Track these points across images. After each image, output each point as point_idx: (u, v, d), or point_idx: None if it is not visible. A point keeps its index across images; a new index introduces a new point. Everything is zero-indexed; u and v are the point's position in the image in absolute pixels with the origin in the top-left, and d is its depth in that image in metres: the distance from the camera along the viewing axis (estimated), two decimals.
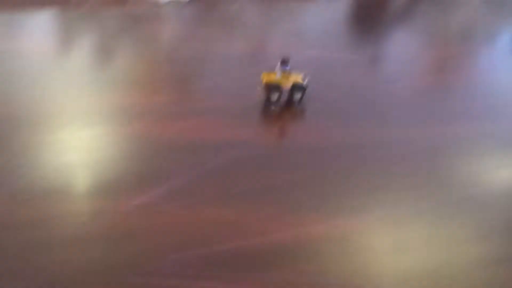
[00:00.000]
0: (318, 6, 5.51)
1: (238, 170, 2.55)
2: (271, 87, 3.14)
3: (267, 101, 3.18)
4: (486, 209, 2.34)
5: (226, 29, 4.54)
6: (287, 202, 2.36)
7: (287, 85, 3.16)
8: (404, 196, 2.42)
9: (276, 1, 5.54)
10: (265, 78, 3.18)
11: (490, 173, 2.62)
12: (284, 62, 3.17)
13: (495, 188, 2.50)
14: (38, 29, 4.26)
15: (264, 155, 2.68)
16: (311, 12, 5.33)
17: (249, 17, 5.10)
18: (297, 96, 3.18)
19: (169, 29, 4.65)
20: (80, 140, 2.72)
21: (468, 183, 2.56)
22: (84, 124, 2.88)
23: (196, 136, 2.80)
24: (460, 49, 4.46)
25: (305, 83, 3.18)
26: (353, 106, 3.25)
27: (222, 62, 3.77)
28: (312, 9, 5.42)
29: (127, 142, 2.73)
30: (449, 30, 5.00)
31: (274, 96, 3.15)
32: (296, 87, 3.17)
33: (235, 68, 3.69)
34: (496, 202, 2.40)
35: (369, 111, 3.19)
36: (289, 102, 3.20)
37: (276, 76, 3.18)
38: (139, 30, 4.48)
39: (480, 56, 4.31)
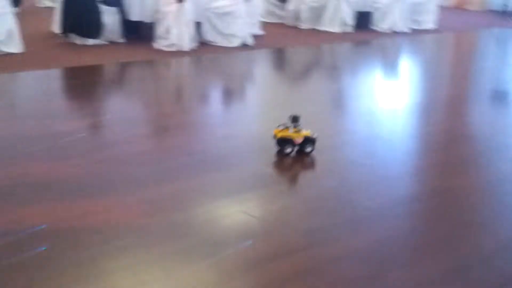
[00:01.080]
0: (29, 79, 5.55)
1: None
2: (285, 141, 3.54)
3: (281, 153, 3.56)
4: (221, 251, 2.49)
5: None
6: None
7: (299, 139, 3.53)
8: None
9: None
10: (279, 133, 3.57)
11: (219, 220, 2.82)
12: (295, 120, 3.57)
13: (230, 234, 2.69)
14: None
15: None
16: (24, 87, 5.39)
17: None
18: (309, 148, 3.59)
19: None
20: None
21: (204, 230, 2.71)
22: None
23: None
24: (176, 107, 4.89)
25: (315, 136, 3.59)
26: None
27: None
28: (26, 83, 5.46)
29: None
30: (164, 91, 5.46)
31: (288, 149, 3.54)
32: (308, 141, 3.57)
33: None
34: (237, 241, 2.58)
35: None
36: (301, 154, 3.57)
37: (288, 132, 3.54)
38: None
39: (197, 113, 4.76)
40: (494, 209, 3.05)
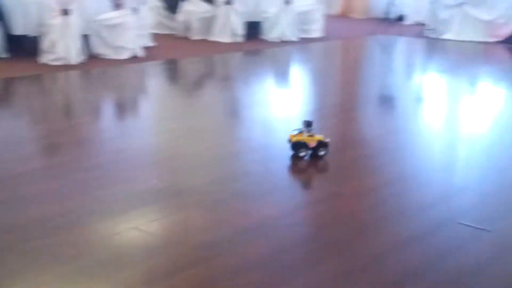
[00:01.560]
0: None
1: None
2: (300, 146, 3.69)
3: (295, 157, 3.71)
4: (117, 271, 2.43)
5: None
6: None
7: (312, 143, 3.69)
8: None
9: None
10: (294, 138, 3.71)
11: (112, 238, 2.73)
12: (309, 125, 3.73)
13: (124, 252, 2.62)
14: None
15: None
16: None
17: None
18: (322, 152, 3.73)
19: None
20: None
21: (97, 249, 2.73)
22: None
23: None
24: (65, 123, 4.76)
25: (328, 140, 3.75)
26: None
27: None
28: None
29: None
30: (53, 107, 5.31)
31: (302, 153, 3.70)
32: (321, 145, 3.72)
33: None
34: (132, 259, 2.52)
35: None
36: (315, 157, 3.73)
37: (302, 136, 3.70)
38: None
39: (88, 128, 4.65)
40: (388, 211, 3.14)
